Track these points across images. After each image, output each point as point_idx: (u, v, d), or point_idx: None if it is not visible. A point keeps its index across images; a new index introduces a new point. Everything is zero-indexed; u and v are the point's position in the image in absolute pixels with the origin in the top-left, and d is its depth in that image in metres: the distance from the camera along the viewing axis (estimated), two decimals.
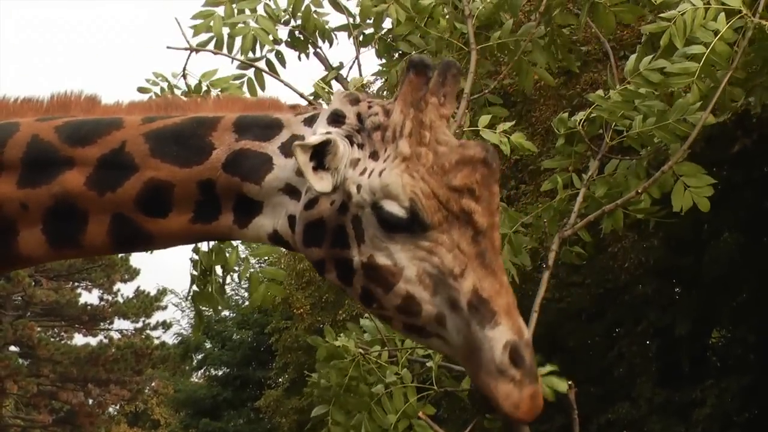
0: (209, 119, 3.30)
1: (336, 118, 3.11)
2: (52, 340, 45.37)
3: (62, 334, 48.31)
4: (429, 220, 2.89)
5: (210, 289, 5.03)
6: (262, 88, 5.90)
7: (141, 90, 5.33)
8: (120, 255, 45.13)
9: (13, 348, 43.68)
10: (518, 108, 19.48)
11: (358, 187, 2.98)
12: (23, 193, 3.34)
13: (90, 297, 46.75)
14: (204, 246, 5.00)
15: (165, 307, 46.04)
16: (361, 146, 3.05)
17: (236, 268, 5.14)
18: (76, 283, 47.21)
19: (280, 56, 6.08)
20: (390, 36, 5.91)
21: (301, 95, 5.78)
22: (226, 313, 48.28)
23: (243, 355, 45.75)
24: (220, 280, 5.04)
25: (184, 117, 3.34)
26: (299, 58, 6.23)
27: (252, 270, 5.06)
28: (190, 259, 5.03)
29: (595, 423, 20.87)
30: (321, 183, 3.00)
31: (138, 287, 47.25)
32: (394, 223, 2.92)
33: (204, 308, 5.22)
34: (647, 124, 5.08)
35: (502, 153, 5.32)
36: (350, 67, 6.13)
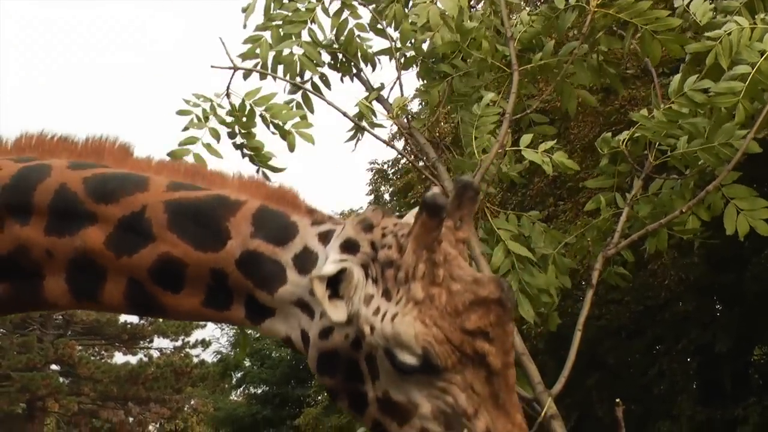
0: (231, 202, 3.26)
1: (349, 246, 3.05)
2: (92, 358, 45.65)
3: (102, 352, 48.62)
4: (442, 364, 2.85)
5: None
6: (311, 110, 5.96)
7: (181, 112, 5.32)
8: None
9: (54, 367, 44.01)
10: (556, 125, 19.37)
11: (371, 329, 2.94)
12: (49, 241, 3.33)
13: (130, 316, 47.00)
14: None
15: (204, 326, 46.23)
16: (375, 281, 3.00)
17: None
18: None
19: (324, 78, 6.14)
20: (432, 59, 5.95)
21: (345, 114, 5.81)
22: None
23: (282, 373, 45.78)
24: None
25: (208, 193, 3.31)
26: (342, 80, 6.30)
27: None
28: None
29: None
30: (337, 312, 2.96)
31: None
32: (407, 370, 2.89)
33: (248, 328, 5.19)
34: (692, 145, 5.06)
35: (542, 171, 5.33)
36: (391, 88, 6.18)
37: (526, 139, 5.45)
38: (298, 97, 6.02)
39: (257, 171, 5.40)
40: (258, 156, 5.43)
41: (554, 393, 4.86)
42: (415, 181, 26.16)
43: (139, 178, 3.37)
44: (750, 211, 5.11)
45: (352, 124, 6.01)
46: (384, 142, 6.13)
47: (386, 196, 31.08)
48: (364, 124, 5.87)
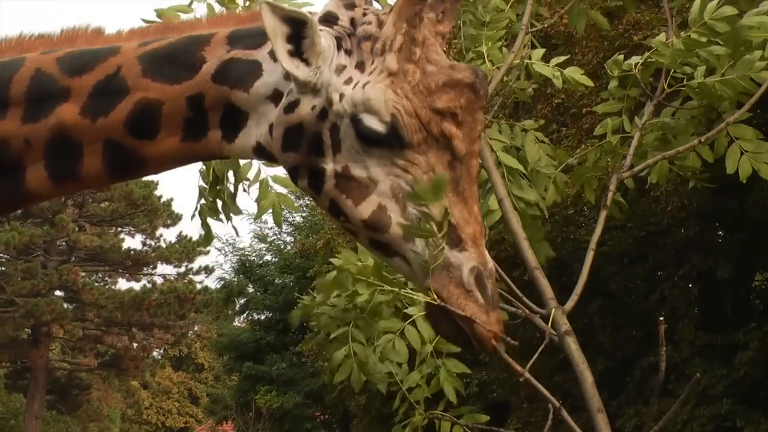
0: (203, 36, 3.30)
1: (328, 18, 3.08)
2: (96, 284, 45.93)
3: (106, 278, 48.89)
4: (408, 138, 2.88)
5: (221, 200, 4.90)
6: None
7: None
8: (162, 200, 45.48)
9: (58, 293, 44.26)
10: (560, 50, 19.29)
11: (341, 96, 2.97)
12: (26, 129, 3.39)
13: (133, 242, 47.35)
14: None
15: (207, 252, 46.36)
16: (348, 53, 3.02)
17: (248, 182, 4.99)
18: (120, 229, 47.65)
19: None
20: None
21: None
22: (268, 257, 48.50)
23: (285, 299, 45.90)
24: (232, 188, 4.93)
25: (180, 36, 3.36)
26: None
27: (263, 177, 4.92)
28: (199, 170, 4.91)
29: (638, 366, 20.85)
30: (292, 66, 2.98)
31: (180, 232, 47.71)
32: (372, 138, 2.92)
33: (214, 220, 5.05)
34: (710, 75, 4.98)
35: (544, 94, 5.26)
36: None
37: (538, 53, 5.38)
38: None
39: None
40: None
41: (567, 309, 4.85)
42: None
43: (111, 47, 3.42)
44: (755, 153, 5.08)
45: None
46: None
47: None
48: None
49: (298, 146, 3.06)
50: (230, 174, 4.89)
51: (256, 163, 4.81)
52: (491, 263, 2.91)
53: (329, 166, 2.99)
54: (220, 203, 4.90)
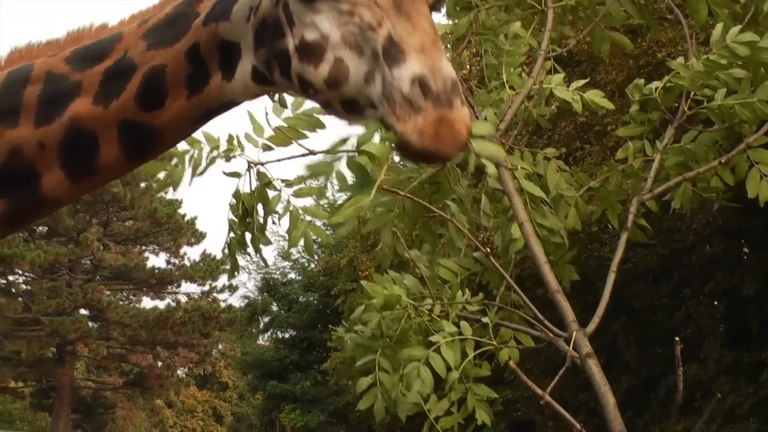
0: None
1: None
2: (120, 303, 46.00)
3: (131, 297, 49.01)
4: None
5: (251, 232, 4.92)
6: None
7: None
8: (186, 219, 45.59)
9: (83, 311, 44.40)
10: (583, 68, 19.28)
11: None
12: (40, 132, 3.44)
13: (157, 260, 47.48)
14: (244, 187, 4.89)
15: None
16: None
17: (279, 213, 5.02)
18: (144, 247, 47.80)
19: None
20: None
21: None
22: (292, 275, 48.59)
23: (309, 317, 46.02)
24: (261, 220, 4.96)
25: (175, 4, 3.42)
26: None
27: (293, 209, 4.95)
28: (229, 204, 4.94)
29: (663, 384, 20.77)
30: None
31: (204, 250, 47.85)
32: None
33: (242, 254, 5.08)
34: (729, 98, 4.97)
35: (568, 112, 5.25)
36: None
37: (558, 77, 5.37)
38: None
39: (272, 98, 5.27)
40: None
41: (588, 332, 4.83)
42: None
43: (115, 34, 3.48)
44: None
45: None
46: None
47: None
48: None
49: (266, 39, 3.12)
50: (259, 206, 4.92)
51: (285, 195, 4.83)
52: (446, 68, 2.78)
53: (290, 44, 3.02)
54: (249, 236, 4.93)
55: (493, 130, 4.09)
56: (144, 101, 3.34)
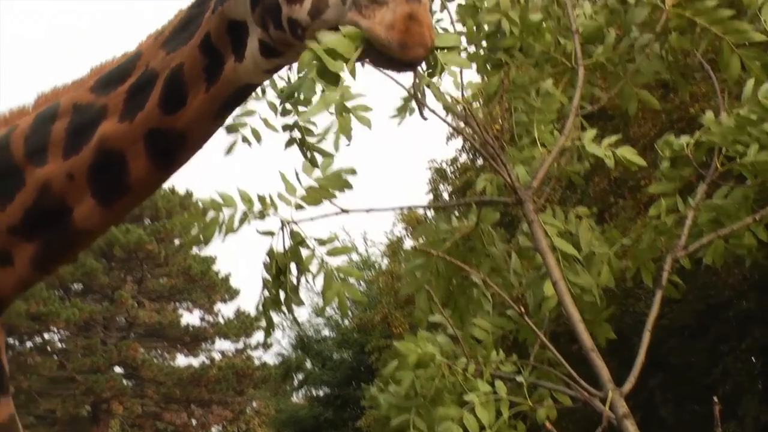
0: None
1: None
2: (155, 361, 46.06)
3: (165, 354, 49.01)
4: None
5: (284, 291, 4.92)
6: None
7: (230, 129, 5.24)
8: (220, 275, 45.69)
9: (117, 369, 44.48)
10: (615, 122, 19.28)
11: None
12: (69, 163, 3.49)
13: (191, 318, 47.45)
14: (278, 246, 4.89)
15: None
16: None
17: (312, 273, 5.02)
18: (178, 304, 47.90)
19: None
20: (491, 48, 5.79)
21: (403, 87, 5.66)
22: (326, 333, 48.51)
23: (344, 374, 45.88)
24: (295, 280, 4.96)
25: (189, 6, 3.54)
26: None
27: (326, 267, 4.94)
28: (262, 262, 4.95)
29: None
30: None
31: (238, 308, 47.81)
32: None
33: (276, 313, 5.08)
34: (762, 153, 4.94)
35: (601, 167, 5.25)
36: (440, 76, 5.98)
37: (590, 134, 5.36)
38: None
39: (305, 156, 5.29)
40: (308, 135, 5.30)
41: (625, 392, 4.78)
42: (474, 179, 26.11)
43: (134, 55, 3.59)
44: None
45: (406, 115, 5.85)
46: (442, 119, 6.04)
47: (445, 195, 30.99)
48: (414, 104, 5.72)
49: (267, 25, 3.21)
50: (293, 266, 4.92)
51: (318, 253, 4.84)
52: None
53: None
54: (282, 295, 4.93)
55: (459, 40, 4.02)
56: (167, 104, 3.41)
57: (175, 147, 3.49)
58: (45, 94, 3.78)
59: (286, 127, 5.20)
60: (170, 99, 3.40)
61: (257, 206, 4.38)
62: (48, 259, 3.65)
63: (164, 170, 3.60)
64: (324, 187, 4.28)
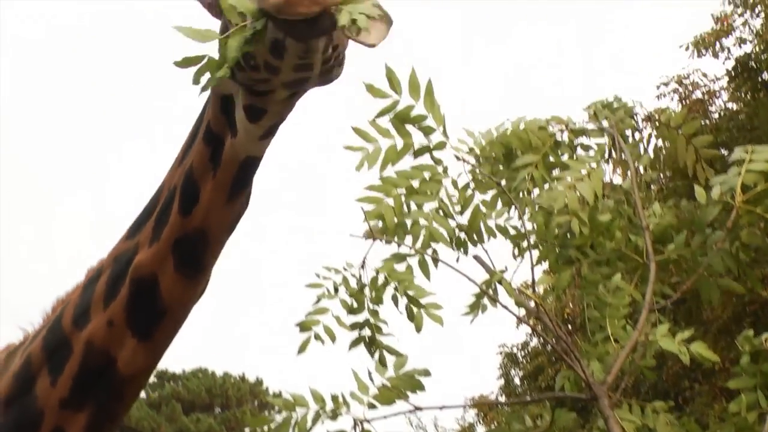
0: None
1: None
2: None
3: None
4: None
5: None
6: (427, 277, 5.68)
7: (312, 286, 5.23)
8: None
9: None
10: (688, 305, 19.09)
11: None
12: (108, 312, 3.46)
13: None
14: None
15: None
16: None
17: None
18: None
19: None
20: (561, 245, 5.82)
21: (475, 283, 5.62)
22: None
23: None
24: None
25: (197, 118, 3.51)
26: (457, 259, 6.04)
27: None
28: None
29: None
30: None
31: None
32: None
33: None
34: None
35: (675, 355, 5.19)
36: (514, 272, 5.94)
37: (663, 329, 5.33)
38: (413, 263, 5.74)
39: (371, 354, 5.26)
40: (378, 333, 5.27)
41: None
42: (545, 364, 25.90)
43: (160, 185, 3.55)
44: None
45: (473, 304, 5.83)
46: (516, 316, 6.02)
47: (516, 380, 30.67)
48: (486, 301, 5.71)
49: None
50: None
51: None
52: None
53: None
54: None
55: None
56: (185, 205, 3.40)
57: (198, 248, 3.45)
58: (93, 267, 3.81)
59: (354, 326, 5.19)
60: (186, 200, 3.41)
61: (329, 405, 4.38)
62: (100, 424, 3.60)
63: (193, 279, 3.54)
64: (396, 387, 4.29)
